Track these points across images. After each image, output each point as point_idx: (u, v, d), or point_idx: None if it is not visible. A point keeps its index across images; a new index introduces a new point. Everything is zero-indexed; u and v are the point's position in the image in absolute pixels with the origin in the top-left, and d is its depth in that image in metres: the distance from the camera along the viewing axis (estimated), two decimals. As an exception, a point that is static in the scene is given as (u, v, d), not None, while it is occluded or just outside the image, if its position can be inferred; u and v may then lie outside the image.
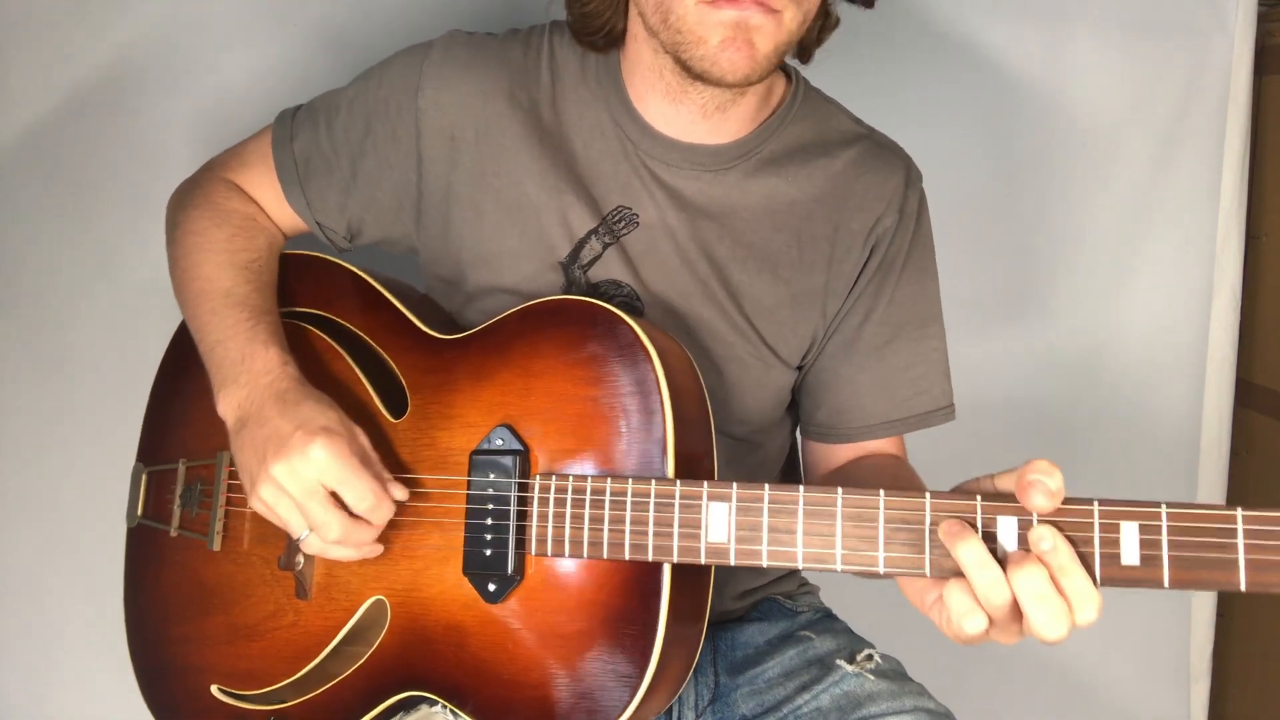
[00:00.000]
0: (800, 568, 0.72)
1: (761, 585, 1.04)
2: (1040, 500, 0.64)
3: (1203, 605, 1.50)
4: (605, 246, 0.92)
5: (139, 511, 1.01)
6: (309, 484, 0.79)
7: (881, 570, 0.70)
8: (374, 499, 0.80)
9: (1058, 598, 0.64)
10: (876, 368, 0.95)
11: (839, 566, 0.71)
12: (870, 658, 0.92)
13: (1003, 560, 0.66)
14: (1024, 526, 0.67)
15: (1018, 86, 1.39)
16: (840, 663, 0.91)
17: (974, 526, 0.67)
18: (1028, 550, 0.65)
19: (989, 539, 0.67)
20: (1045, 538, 0.64)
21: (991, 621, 0.66)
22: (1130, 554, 0.65)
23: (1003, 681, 1.49)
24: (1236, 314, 1.44)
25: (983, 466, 0.72)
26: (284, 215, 1.00)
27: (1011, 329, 1.45)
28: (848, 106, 1.01)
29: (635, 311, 0.90)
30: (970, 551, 0.66)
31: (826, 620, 1.02)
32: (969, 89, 1.39)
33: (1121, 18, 1.37)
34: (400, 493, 0.83)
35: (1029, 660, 1.50)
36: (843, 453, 0.99)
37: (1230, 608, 1.52)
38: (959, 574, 0.67)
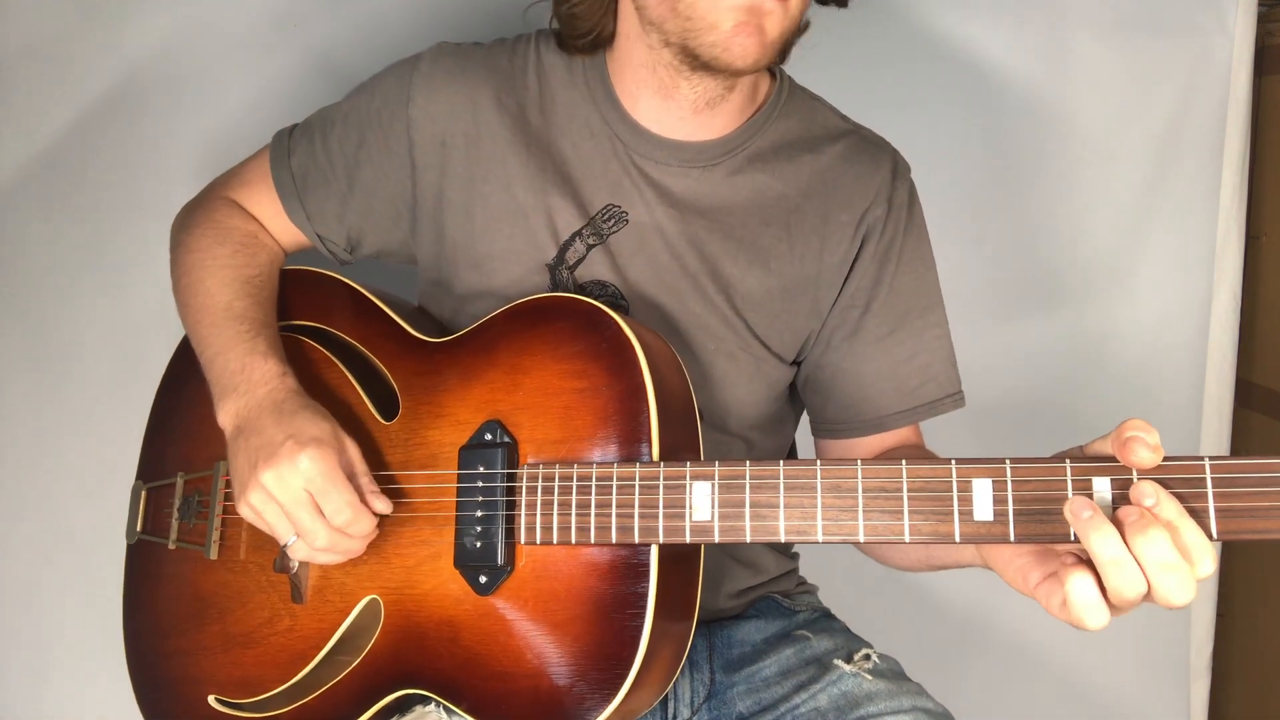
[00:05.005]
0: (782, 540, 0.73)
1: (759, 584, 1.04)
2: (1144, 454, 0.62)
3: (1203, 605, 1.50)
4: (589, 248, 0.93)
5: (138, 527, 1.01)
6: (296, 492, 0.80)
7: (862, 539, 0.71)
8: (351, 513, 0.81)
9: (1184, 563, 0.61)
10: (882, 358, 0.96)
11: (820, 537, 0.72)
12: (868, 657, 0.92)
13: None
14: (1119, 486, 0.65)
15: (1018, 87, 1.39)
16: (838, 662, 0.91)
17: (1067, 491, 0.65)
18: (1126, 506, 0.63)
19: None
20: (1149, 493, 0.62)
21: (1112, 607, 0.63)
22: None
23: (1002, 681, 1.49)
24: (1236, 314, 1.44)
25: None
26: (284, 231, 1.01)
27: (1011, 329, 1.45)
28: (847, 106, 1.01)
29: (619, 309, 0.91)
30: (1107, 545, 0.62)
31: (824, 620, 1.02)
32: (969, 89, 1.39)
33: (1121, 18, 1.37)
34: (383, 506, 0.84)
35: (1028, 660, 1.49)
36: (860, 448, 0.99)
37: (1230, 607, 1.52)
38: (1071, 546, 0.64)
